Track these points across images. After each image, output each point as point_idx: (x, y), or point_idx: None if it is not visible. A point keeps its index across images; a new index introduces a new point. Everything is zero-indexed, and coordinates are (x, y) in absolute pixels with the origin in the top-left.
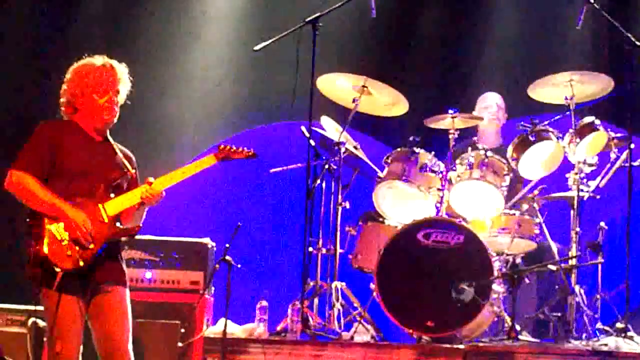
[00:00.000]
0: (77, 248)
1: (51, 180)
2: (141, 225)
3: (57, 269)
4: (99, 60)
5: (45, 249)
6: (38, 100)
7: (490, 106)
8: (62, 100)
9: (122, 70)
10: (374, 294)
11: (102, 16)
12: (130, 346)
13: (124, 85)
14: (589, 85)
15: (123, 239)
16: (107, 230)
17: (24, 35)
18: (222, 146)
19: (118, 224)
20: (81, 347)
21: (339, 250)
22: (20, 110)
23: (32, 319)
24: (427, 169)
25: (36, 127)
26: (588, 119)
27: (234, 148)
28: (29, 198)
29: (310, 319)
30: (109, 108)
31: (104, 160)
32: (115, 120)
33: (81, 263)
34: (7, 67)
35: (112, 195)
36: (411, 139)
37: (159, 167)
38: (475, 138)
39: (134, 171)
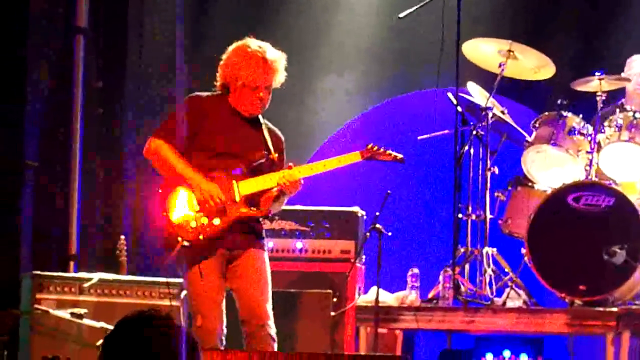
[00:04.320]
0: (202, 221)
1: (191, 153)
2: (270, 210)
3: (179, 239)
4: (255, 46)
5: (173, 218)
6: (189, 75)
7: (638, 69)
8: (217, 75)
9: (279, 61)
10: (525, 258)
11: None
12: (269, 309)
13: (280, 76)
14: None
15: None
16: (236, 209)
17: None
18: (370, 145)
19: (251, 206)
20: (224, 319)
21: (488, 216)
22: (172, 86)
23: (184, 292)
24: (576, 132)
25: (184, 99)
26: None
27: (382, 150)
28: (164, 166)
29: (461, 285)
30: (256, 103)
31: (247, 140)
32: (263, 111)
33: (201, 237)
34: (160, 48)
35: (249, 175)
36: (559, 102)
37: (302, 139)
38: (623, 100)
39: (276, 154)
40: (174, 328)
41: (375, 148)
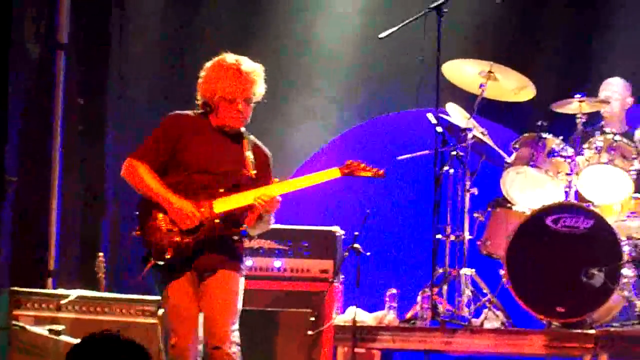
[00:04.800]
0: (175, 239)
1: (170, 172)
2: (244, 227)
3: (150, 258)
4: (231, 60)
5: (146, 237)
6: (171, 93)
7: (614, 91)
8: (197, 94)
9: (255, 73)
10: (504, 280)
11: (225, 10)
12: (229, 331)
13: (258, 88)
14: None
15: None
16: (210, 227)
17: (154, 28)
18: (349, 161)
19: (231, 225)
20: (199, 338)
21: (467, 237)
22: (154, 103)
23: (161, 309)
24: (555, 153)
25: (163, 118)
26: None
27: (362, 165)
28: (139, 185)
29: (439, 306)
30: (236, 116)
31: (224, 157)
32: (244, 124)
33: (168, 255)
34: (141, 64)
35: (226, 193)
36: (539, 123)
37: (283, 157)
38: (602, 122)
39: (255, 172)
40: (131, 347)
41: (355, 164)
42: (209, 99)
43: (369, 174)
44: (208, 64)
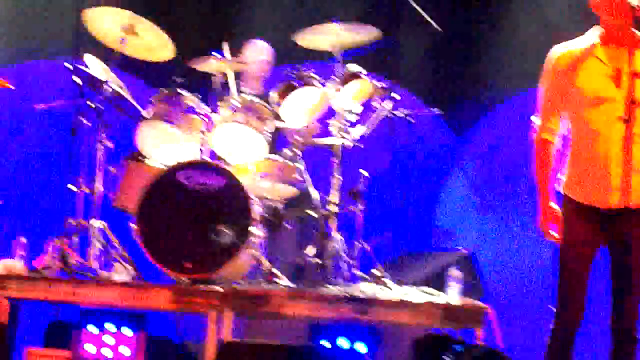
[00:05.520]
0: None
1: None
2: None
3: None
4: None
5: None
6: None
7: (256, 53)
8: None
9: None
10: (135, 234)
11: None
12: None
13: None
14: (355, 35)
15: None
16: None
17: None
18: None
19: None
20: None
21: (100, 189)
22: None
23: None
24: (191, 110)
25: None
26: (353, 68)
27: None
28: None
29: (69, 257)
30: None
31: None
32: None
33: None
34: None
35: None
36: (175, 80)
37: None
38: (240, 82)
39: None
40: None
41: None
42: None
43: None
44: None
